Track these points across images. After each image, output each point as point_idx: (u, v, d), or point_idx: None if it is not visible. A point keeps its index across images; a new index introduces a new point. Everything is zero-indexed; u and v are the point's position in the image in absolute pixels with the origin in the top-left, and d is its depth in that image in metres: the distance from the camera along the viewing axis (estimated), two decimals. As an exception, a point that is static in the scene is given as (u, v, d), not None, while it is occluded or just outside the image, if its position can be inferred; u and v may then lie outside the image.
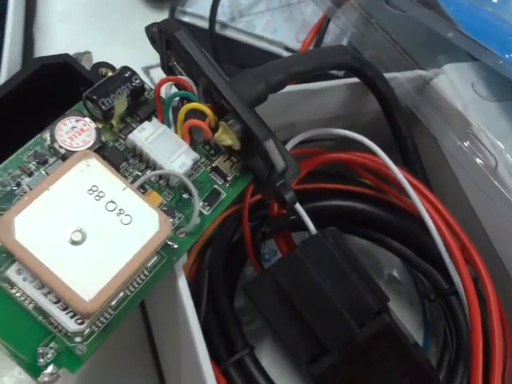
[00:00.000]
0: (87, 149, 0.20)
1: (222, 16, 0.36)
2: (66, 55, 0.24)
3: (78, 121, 0.21)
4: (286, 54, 0.36)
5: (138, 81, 0.21)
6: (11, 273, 0.18)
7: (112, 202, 0.19)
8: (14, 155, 0.20)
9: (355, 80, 0.28)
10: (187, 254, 0.22)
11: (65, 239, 0.18)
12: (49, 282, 0.17)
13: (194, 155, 0.21)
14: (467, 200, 0.29)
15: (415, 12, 0.31)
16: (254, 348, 0.27)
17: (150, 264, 0.20)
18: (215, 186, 0.22)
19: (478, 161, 0.26)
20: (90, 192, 0.19)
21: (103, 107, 0.20)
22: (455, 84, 0.29)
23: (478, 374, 0.24)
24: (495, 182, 0.25)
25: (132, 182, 0.20)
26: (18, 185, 0.20)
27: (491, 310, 0.25)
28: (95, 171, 0.19)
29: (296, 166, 0.23)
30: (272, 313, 0.27)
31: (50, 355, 0.18)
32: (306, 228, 0.27)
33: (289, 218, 0.28)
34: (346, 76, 0.34)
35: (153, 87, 0.24)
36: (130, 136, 0.21)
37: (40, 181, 0.20)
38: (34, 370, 0.18)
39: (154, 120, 0.21)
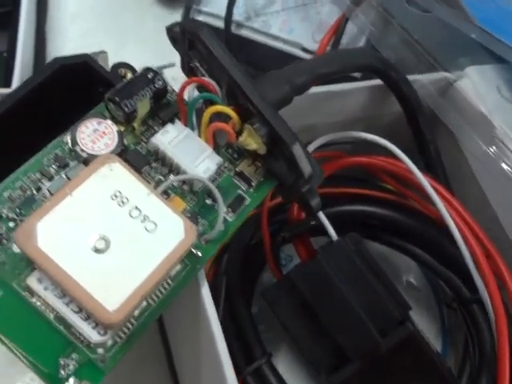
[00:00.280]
0: (109, 152, 0.20)
1: (237, 15, 0.36)
2: (86, 55, 0.23)
3: (99, 123, 0.20)
4: (302, 54, 0.35)
5: (161, 82, 0.21)
6: (32, 281, 0.17)
7: (136, 208, 0.18)
8: (33, 158, 0.19)
9: (377, 82, 0.28)
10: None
11: (88, 247, 0.17)
12: (71, 292, 0.17)
13: (218, 159, 0.21)
14: (489, 205, 0.29)
15: (438, 11, 0.31)
16: (271, 356, 0.27)
17: (173, 273, 0.19)
18: (239, 191, 0.21)
19: (504, 166, 0.26)
20: (114, 198, 0.18)
21: (126, 109, 0.20)
22: (479, 87, 0.28)
23: (505, 384, 0.23)
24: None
25: (155, 187, 0.20)
26: (38, 189, 0.19)
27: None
28: (119, 176, 0.18)
29: (320, 171, 0.22)
30: (291, 320, 0.26)
31: (71, 367, 0.18)
32: (325, 233, 0.27)
33: (309, 223, 0.27)
34: (363, 77, 0.34)
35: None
36: (153, 139, 0.20)
37: (60, 185, 0.19)
38: (55, 382, 0.17)
39: (177, 123, 0.21)
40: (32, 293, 0.18)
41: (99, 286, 0.17)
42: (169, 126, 0.20)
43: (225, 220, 0.20)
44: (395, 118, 0.30)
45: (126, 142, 0.20)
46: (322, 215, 0.25)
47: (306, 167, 0.20)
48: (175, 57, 0.24)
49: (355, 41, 0.36)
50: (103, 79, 0.23)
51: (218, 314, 0.26)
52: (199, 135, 0.21)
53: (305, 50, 0.35)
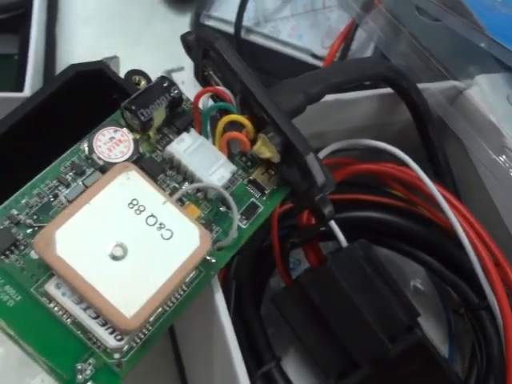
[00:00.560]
0: (125, 160, 0.20)
1: (246, 21, 0.36)
2: (100, 62, 0.23)
3: (115, 131, 0.20)
4: (311, 60, 0.36)
5: (176, 91, 0.21)
6: (50, 287, 0.18)
7: (152, 216, 0.18)
8: (51, 166, 0.20)
9: (386, 90, 0.28)
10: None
11: (106, 254, 0.18)
12: (89, 298, 0.17)
13: (232, 168, 0.21)
14: (498, 213, 0.29)
15: (448, 20, 0.31)
16: (280, 359, 0.27)
17: (188, 279, 0.19)
18: (252, 199, 0.21)
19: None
20: (131, 206, 0.18)
21: (142, 118, 0.20)
22: (489, 95, 0.28)
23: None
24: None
25: (170, 195, 0.20)
26: (56, 196, 0.19)
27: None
28: (135, 184, 0.19)
29: (332, 179, 0.22)
30: (300, 325, 0.27)
31: (88, 371, 0.18)
32: (334, 238, 0.27)
33: (318, 228, 0.27)
34: (372, 85, 0.34)
35: None
36: (169, 148, 0.20)
37: (77, 192, 0.19)
38: (72, 386, 0.18)
39: (192, 131, 0.21)
40: (50, 298, 0.18)
41: (117, 292, 0.17)
42: (184, 135, 0.21)
43: (238, 227, 0.21)
44: (404, 126, 0.30)
45: (141, 150, 0.20)
46: (332, 222, 0.26)
47: (319, 176, 0.20)
48: (185, 60, 0.25)
49: (364, 47, 0.36)
50: (117, 86, 0.23)
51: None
52: (214, 144, 0.21)
53: (314, 56, 0.36)
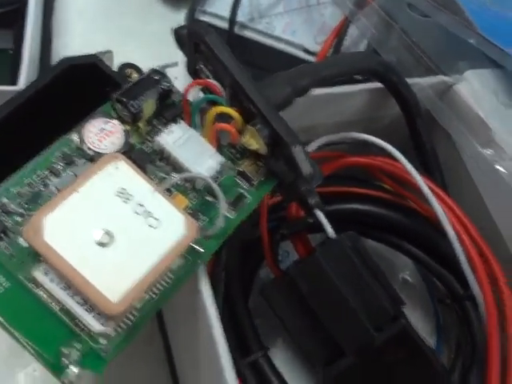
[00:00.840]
0: (115, 151, 0.20)
1: (241, 16, 0.36)
2: (93, 56, 0.24)
3: (106, 122, 0.21)
4: (304, 55, 0.36)
5: (166, 83, 0.21)
6: (38, 273, 0.18)
7: (140, 204, 0.19)
8: (41, 156, 0.20)
9: (376, 85, 0.29)
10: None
11: (92, 241, 0.18)
12: (76, 284, 0.18)
13: (221, 159, 0.21)
14: (484, 206, 0.29)
15: (438, 17, 0.31)
16: (268, 349, 0.28)
17: (174, 267, 0.20)
18: (240, 189, 0.22)
19: (500, 168, 0.26)
20: (119, 195, 0.19)
21: (132, 109, 0.20)
22: (477, 90, 0.29)
23: (494, 381, 0.24)
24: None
25: (158, 185, 0.20)
26: (46, 186, 0.20)
27: (508, 315, 0.25)
28: (124, 174, 0.19)
29: (319, 171, 0.23)
30: (288, 315, 0.27)
31: (74, 356, 0.18)
32: (323, 230, 0.27)
33: (307, 221, 0.27)
34: (363, 79, 0.34)
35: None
36: (159, 139, 0.21)
37: (68, 182, 0.20)
38: (58, 370, 0.18)
39: (182, 123, 0.21)
40: (38, 284, 0.18)
41: (103, 278, 0.18)
42: (174, 126, 0.21)
43: (226, 217, 0.21)
44: (393, 120, 0.31)
45: (131, 140, 0.21)
46: (320, 214, 0.26)
47: (305, 167, 0.21)
48: (178, 56, 0.25)
49: (357, 43, 0.36)
50: (110, 79, 0.24)
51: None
52: (203, 135, 0.22)
53: (307, 51, 0.36)
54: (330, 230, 0.26)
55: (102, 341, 0.18)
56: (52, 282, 0.18)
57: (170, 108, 0.22)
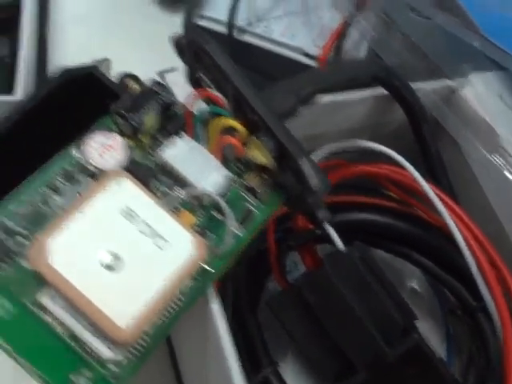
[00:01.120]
0: (116, 166, 0.19)
1: (239, 20, 0.36)
2: (93, 66, 0.23)
3: (106, 137, 0.20)
4: (304, 59, 0.35)
5: (168, 95, 0.21)
6: (43, 297, 0.17)
7: (146, 224, 0.18)
8: (40, 172, 0.19)
9: (381, 91, 0.28)
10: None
11: (99, 263, 0.17)
12: (83, 309, 0.17)
13: (226, 172, 0.21)
14: (493, 213, 0.29)
15: (440, 19, 0.31)
16: (278, 365, 0.27)
17: (184, 288, 0.19)
18: (247, 204, 0.21)
19: (508, 174, 0.26)
20: (123, 214, 0.18)
21: (133, 123, 0.20)
22: (482, 94, 0.28)
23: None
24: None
25: (163, 201, 0.20)
26: (46, 203, 0.19)
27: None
28: (128, 192, 0.18)
29: (327, 182, 0.22)
30: (297, 329, 0.26)
31: (82, 383, 0.17)
32: (330, 241, 0.27)
33: (314, 232, 0.27)
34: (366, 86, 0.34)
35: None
36: (161, 153, 0.20)
37: (68, 199, 0.19)
38: (66, 398, 0.17)
39: (185, 136, 0.21)
40: (43, 309, 0.18)
41: (111, 303, 0.17)
42: (176, 139, 0.20)
43: (235, 234, 0.20)
44: (399, 126, 0.30)
45: (132, 155, 0.20)
46: (328, 226, 0.25)
47: (313, 180, 0.20)
48: (177, 61, 0.24)
49: (357, 46, 0.36)
50: (109, 90, 0.23)
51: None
52: (207, 148, 0.21)
53: (307, 55, 0.35)
54: (338, 242, 0.26)
55: (112, 367, 0.18)
56: (58, 306, 0.17)
57: (172, 120, 0.21)
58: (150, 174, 0.20)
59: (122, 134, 0.20)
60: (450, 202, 0.27)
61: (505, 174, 0.26)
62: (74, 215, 0.17)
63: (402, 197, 0.29)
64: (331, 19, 0.37)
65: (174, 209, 0.20)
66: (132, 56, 0.39)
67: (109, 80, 0.23)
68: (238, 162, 0.22)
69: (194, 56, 0.22)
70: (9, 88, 0.33)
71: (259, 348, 0.27)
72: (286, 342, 0.28)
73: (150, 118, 0.20)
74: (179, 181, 0.20)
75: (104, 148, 0.20)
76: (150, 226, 0.18)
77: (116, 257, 0.17)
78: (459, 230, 0.26)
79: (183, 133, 0.21)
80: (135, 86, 0.23)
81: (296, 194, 0.21)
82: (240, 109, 0.21)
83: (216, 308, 0.20)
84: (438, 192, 0.27)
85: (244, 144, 0.21)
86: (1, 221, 0.18)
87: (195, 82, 0.23)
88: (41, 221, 0.19)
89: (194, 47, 0.21)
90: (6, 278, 0.18)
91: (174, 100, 0.21)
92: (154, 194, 0.20)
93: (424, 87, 0.29)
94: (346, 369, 0.25)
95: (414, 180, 0.27)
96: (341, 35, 0.35)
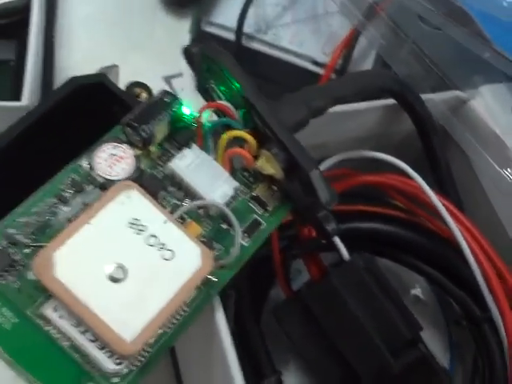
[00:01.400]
0: (126, 177, 0.19)
1: (247, 27, 0.35)
2: (101, 75, 0.23)
3: (116, 148, 0.20)
4: (312, 67, 0.35)
5: (178, 106, 0.21)
6: (47, 310, 0.17)
7: (153, 236, 0.18)
8: (49, 183, 0.19)
9: (389, 101, 0.28)
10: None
11: (105, 276, 0.17)
12: (88, 322, 0.17)
13: (235, 184, 0.21)
14: (501, 225, 0.29)
15: (449, 30, 0.30)
16: (281, 374, 0.27)
17: (188, 299, 0.19)
18: (255, 215, 0.21)
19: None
20: (131, 226, 0.18)
21: (143, 134, 0.20)
22: (493, 106, 0.28)
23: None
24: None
25: (171, 212, 0.20)
26: (54, 214, 0.19)
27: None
28: (136, 203, 0.18)
29: (335, 194, 0.22)
30: (301, 338, 0.26)
31: (86, 395, 0.17)
32: (335, 248, 0.26)
33: (320, 241, 0.27)
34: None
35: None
36: (171, 164, 0.20)
37: (77, 210, 0.19)
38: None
39: (194, 147, 0.21)
40: (47, 321, 0.17)
41: (116, 316, 0.17)
42: (186, 151, 0.20)
43: (241, 245, 0.20)
44: (407, 134, 0.30)
45: (142, 166, 0.20)
46: (336, 239, 0.25)
47: (323, 194, 0.20)
48: (184, 66, 0.24)
49: (366, 54, 0.36)
50: (118, 98, 0.23)
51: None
52: (216, 159, 0.21)
53: (315, 62, 0.35)
54: (344, 252, 0.26)
55: (115, 379, 0.18)
56: (62, 318, 0.17)
57: (182, 131, 0.21)
58: (158, 185, 0.20)
59: (131, 144, 0.20)
60: (457, 213, 0.27)
61: (514, 188, 0.26)
62: (82, 226, 0.17)
63: (409, 206, 0.29)
64: (340, 26, 0.37)
65: (181, 219, 0.20)
66: (139, 61, 0.39)
67: (117, 88, 0.23)
68: (247, 173, 0.22)
69: (206, 66, 0.22)
70: (15, 92, 0.33)
71: (262, 357, 0.27)
72: (290, 350, 0.28)
73: (160, 130, 0.20)
74: (188, 192, 0.20)
75: (113, 159, 0.20)
76: (157, 238, 0.18)
77: (122, 269, 0.17)
78: (466, 239, 0.26)
79: (193, 144, 0.21)
80: (144, 95, 0.24)
81: (305, 206, 0.21)
82: (250, 118, 0.21)
83: (220, 318, 0.20)
84: (444, 202, 0.27)
85: (254, 155, 0.21)
86: (9, 232, 0.18)
87: (205, 92, 0.23)
88: (48, 232, 0.19)
89: (206, 58, 0.21)
90: (11, 289, 0.18)
91: (184, 111, 0.21)
92: (163, 205, 0.20)
93: (433, 98, 0.28)
94: (351, 379, 0.25)
95: (422, 190, 0.27)
96: (350, 43, 0.35)
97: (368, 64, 0.36)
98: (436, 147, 0.28)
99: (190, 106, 0.22)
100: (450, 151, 0.29)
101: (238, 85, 0.20)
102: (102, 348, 0.17)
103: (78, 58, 0.38)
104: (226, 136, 0.20)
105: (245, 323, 0.27)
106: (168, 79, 0.38)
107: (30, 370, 0.17)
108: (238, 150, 0.20)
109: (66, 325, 0.17)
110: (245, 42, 0.35)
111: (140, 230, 0.18)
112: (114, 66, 0.31)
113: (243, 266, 0.21)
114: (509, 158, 0.26)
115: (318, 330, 0.26)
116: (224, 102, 0.21)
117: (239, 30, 0.34)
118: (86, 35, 0.39)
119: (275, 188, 0.22)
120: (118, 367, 0.17)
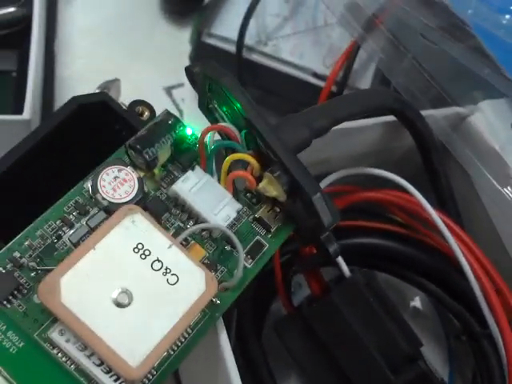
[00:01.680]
0: (130, 200, 0.20)
1: (248, 39, 0.36)
2: (103, 93, 0.23)
3: (120, 170, 0.20)
4: (313, 80, 0.35)
5: (181, 128, 0.21)
6: (53, 334, 0.17)
7: (158, 260, 0.18)
8: (53, 206, 0.19)
9: (390, 118, 0.28)
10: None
11: (110, 301, 0.17)
12: (94, 347, 0.17)
13: (238, 206, 0.21)
14: (501, 243, 0.29)
15: (447, 46, 0.31)
16: (281, 388, 0.27)
17: (192, 322, 0.19)
18: (258, 237, 0.21)
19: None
20: (136, 250, 0.18)
21: (147, 157, 0.20)
22: (492, 122, 0.28)
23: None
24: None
25: (174, 234, 0.20)
26: (59, 237, 0.19)
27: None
28: (141, 228, 0.18)
29: (337, 213, 0.22)
30: (302, 353, 0.27)
31: (92, 419, 0.18)
32: (335, 263, 0.27)
33: (321, 258, 0.27)
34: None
35: (176, 109, 0.23)
36: (174, 187, 0.20)
37: (81, 233, 0.19)
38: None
39: (198, 169, 0.21)
40: (53, 344, 0.18)
41: (121, 340, 0.17)
42: (189, 173, 0.20)
43: (244, 267, 0.20)
44: (407, 151, 0.30)
45: (146, 188, 0.20)
46: (338, 258, 0.25)
47: (325, 217, 0.20)
48: (185, 77, 0.24)
49: (366, 66, 0.36)
50: (120, 117, 0.23)
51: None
52: (219, 181, 0.21)
53: (316, 75, 0.35)
54: (345, 269, 0.26)
55: (120, 402, 0.18)
56: (68, 342, 0.18)
57: (185, 153, 0.21)
58: (162, 207, 0.20)
59: (135, 167, 0.20)
60: (457, 229, 0.27)
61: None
62: (87, 252, 0.17)
63: (409, 222, 0.29)
64: (340, 38, 0.37)
65: (185, 241, 0.20)
66: (140, 71, 0.39)
67: (119, 106, 0.23)
68: (250, 194, 0.22)
69: (206, 85, 0.22)
70: (16, 103, 0.33)
71: (263, 371, 0.27)
72: (290, 364, 0.28)
73: (163, 152, 0.20)
74: (191, 214, 0.20)
75: (117, 182, 0.20)
76: (161, 263, 0.18)
77: (127, 294, 0.17)
78: (465, 256, 0.26)
79: (196, 166, 0.21)
80: (146, 113, 0.24)
81: (307, 227, 0.21)
82: (252, 139, 0.21)
83: (224, 340, 0.20)
84: (444, 218, 0.27)
85: (257, 176, 0.21)
86: (14, 256, 0.18)
87: (207, 110, 0.23)
88: (54, 255, 0.19)
89: (208, 79, 0.21)
90: (17, 313, 0.18)
91: (188, 133, 0.21)
92: (166, 227, 0.20)
93: (434, 114, 0.29)
94: (351, 396, 0.26)
95: (421, 206, 0.27)
96: (350, 55, 0.35)
97: (368, 76, 0.36)
98: (436, 163, 0.28)
99: (193, 127, 0.22)
100: (450, 167, 0.29)
101: (239, 106, 0.20)
102: (107, 372, 0.18)
103: (79, 67, 0.38)
104: (229, 159, 0.20)
105: (247, 340, 0.27)
106: (169, 90, 0.39)
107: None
108: (240, 172, 0.20)
109: (72, 349, 0.17)
110: (245, 53, 0.35)
111: (145, 255, 0.18)
112: (116, 80, 0.31)
113: (246, 287, 0.21)
114: (508, 175, 0.26)
115: (318, 346, 0.26)
116: (227, 125, 0.21)
117: (240, 42, 0.35)
118: (86, 44, 0.40)
119: (278, 209, 0.22)
120: (123, 391, 0.18)
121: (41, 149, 0.21)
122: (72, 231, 0.19)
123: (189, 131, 0.22)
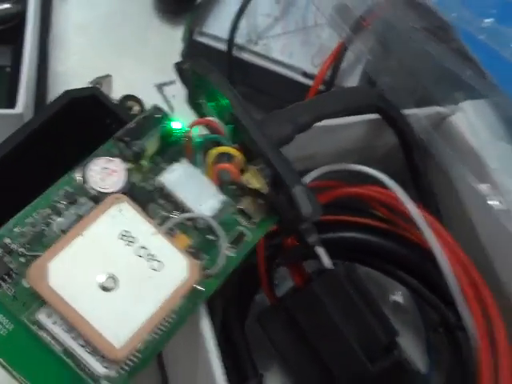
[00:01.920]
0: (117, 190, 0.20)
1: (239, 38, 0.36)
2: (94, 88, 0.24)
3: (108, 161, 0.21)
4: (302, 79, 0.36)
5: (169, 122, 0.22)
6: (41, 316, 0.18)
7: (143, 247, 0.19)
8: (43, 194, 0.20)
9: (374, 116, 0.29)
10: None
11: (97, 285, 0.18)
12: (80, 329, 0.18)
13: (222, 197, 0.21)
14: (479, 239, 0.30)
15: (430, 48, 0.31)
16: (262, 376, 0.28)
17: (176, 307, 0.20)
18: (241, 227, 0.22)
19: (495, 204, 0.27)
20: (122, 237, 0.19)
21: (135, 149, 0.21)
22: (473, 123, 0.29)
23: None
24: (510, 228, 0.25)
25: (160, 224, 0.21)
26: (48, 225, 0.20)
27: (500, 348, 0.26)
28: (127, 216, 0.19)
29: (318, 208, 0.23)
30: (284, 343, 0.27)
31: (77, 398, 0.18)
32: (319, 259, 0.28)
33: (303, 251, 0.28)
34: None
35: (167, 105, 0.24)
36: (161, 178, 0.21)
37: (70, 221, 0.20)
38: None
39: (184, 161, 0.22)
40: (41, 326, 0.18)
41: (106, 323, 0.18)
42: (176, 165, 0.21)
43: (226, 256, 0.21)
44: (390, 148, 0.31)
45: (133, 179, 0.21)
46: (318, 249, 0.26)
47: (305, 208, 0.21)
48: (176, 73, 0.25)
49: (353, 66, 0.37)
50: (111, 111, 0.24)
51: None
52: (204, 173, 0.22)
53: (305, 74, 0.36)
54: (327, 261, 0.27)
55: (105, 382, 0.19)
56: (55, 324, 0.18)
57: (173, 146, 0.22)
58: (149, 197, 0.21)
59: (123, 158, 0.21)
60: (436, 224, 0.28)
61: (492, 204, 0.27)
62: (75, 238, 0.18)
63: (390, 217, 0.30)
64: (329, 38, 0.38)
65: (170, 230, 0.21)
66: (132, 68, 0.39)
67: (110, 101, 0.24)
68: (234, 186, 0.23)
69: (194, 81, 0.23)
70: (10, 98, 0.34)
71: (245, 359, 0.28)
72: (272, 353, 0.29)
73: (151, 145, 0.21)
74: (177, 205, 0.21)
75: (105, 172, 0.20)
76: (146, 249, 0.19)
77: (113, 278, 0.18)
78: (442, 249, 0.27)
79: (183, 158, 0.22)
80: (136, 107, 0.24)
81: (288, 218, 0.22)
82: (238, 134, 0.22)
83: (205, 325, 0.21)
84: (424, 214, 0.28)
85: (241, 169, 0.22)
86: (4, 241, 0.19)
87: (195, 106, 0.24)
88: (43, 242, 0.19)
89: (196, 75, 0.22)
90: (6, 296, 0.19)
91: (175, 126, 0.22)
92: (152, 217, 0.21)
93: (416, 113, 0.29)
94: (329, 382, 0.26)
95: (401, 202, 0.28)
96: (338, 55, 0.36)
97: (355, 75, 0.37)
98: (418, 162, 0.29)
99: (181, 120, 0.22)
100: (430, 166, 0.30)
101: (226, 101, 0.21)
102: (93, 353, 0.18)
103: (73, 64, 0.39)
104: (215, 151, 0.21)
105: (231, 330, 0.28)
106: (160, 86, 0.39)
107: (23, 374, 0.18)
108: (225, 165, 0.21)
109: (58, 330, 0.18)
110: (236, 52, 0.36)
111: (130, 242, 0.19)
112: (108, 76, 0.31)
113: (229, 275, 0.21)
114: (487, 173, 0.27)
115: (300, 336, 0.27)
116: (213, 119, 0.22)
117: (231, 41, 0.35)
118: (80, 41, 0.40)
119: (261, 201, 0.23)
120: (107, 371, 0.18)
121: (33, 140, 0.22)
122: (61, 219, 0.20)
123: (177, 125, 0.22)
